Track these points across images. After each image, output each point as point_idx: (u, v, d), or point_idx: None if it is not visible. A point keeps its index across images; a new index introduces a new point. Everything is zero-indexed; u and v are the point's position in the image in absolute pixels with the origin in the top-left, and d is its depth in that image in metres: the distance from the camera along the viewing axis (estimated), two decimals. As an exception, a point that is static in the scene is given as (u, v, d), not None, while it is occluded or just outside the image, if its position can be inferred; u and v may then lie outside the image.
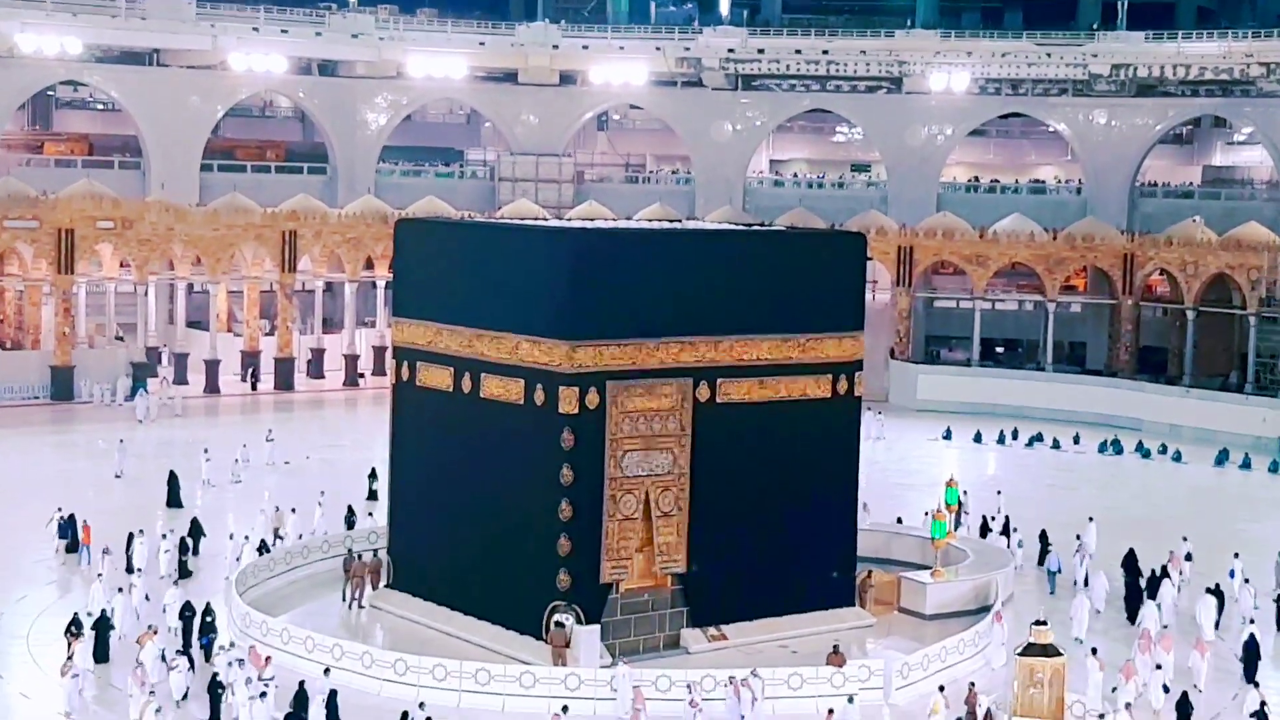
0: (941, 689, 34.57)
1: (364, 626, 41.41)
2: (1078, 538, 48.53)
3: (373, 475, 55.69)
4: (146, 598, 40.18)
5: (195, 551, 46.46)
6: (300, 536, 47.35)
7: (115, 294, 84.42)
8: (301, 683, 33.88)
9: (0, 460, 62.60)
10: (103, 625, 37.54)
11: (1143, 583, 44.86)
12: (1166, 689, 36.70)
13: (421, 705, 33.53)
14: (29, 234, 76.54)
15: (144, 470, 57.26)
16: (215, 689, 33.66)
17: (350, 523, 49.16)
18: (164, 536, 45.14)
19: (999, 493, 52.57)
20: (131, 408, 71.11)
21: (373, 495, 54.40)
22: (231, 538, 45.75)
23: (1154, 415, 75.94)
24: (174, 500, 53.86)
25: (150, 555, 44.70)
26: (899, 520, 50.69)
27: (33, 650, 38.38)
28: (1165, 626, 41.79)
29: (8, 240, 76.50)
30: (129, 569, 44.00)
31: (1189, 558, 47.80)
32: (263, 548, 45.38)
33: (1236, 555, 47.10)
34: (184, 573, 44.32)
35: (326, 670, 34.86)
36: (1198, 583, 45.70)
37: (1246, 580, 45.32)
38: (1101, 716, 33.41)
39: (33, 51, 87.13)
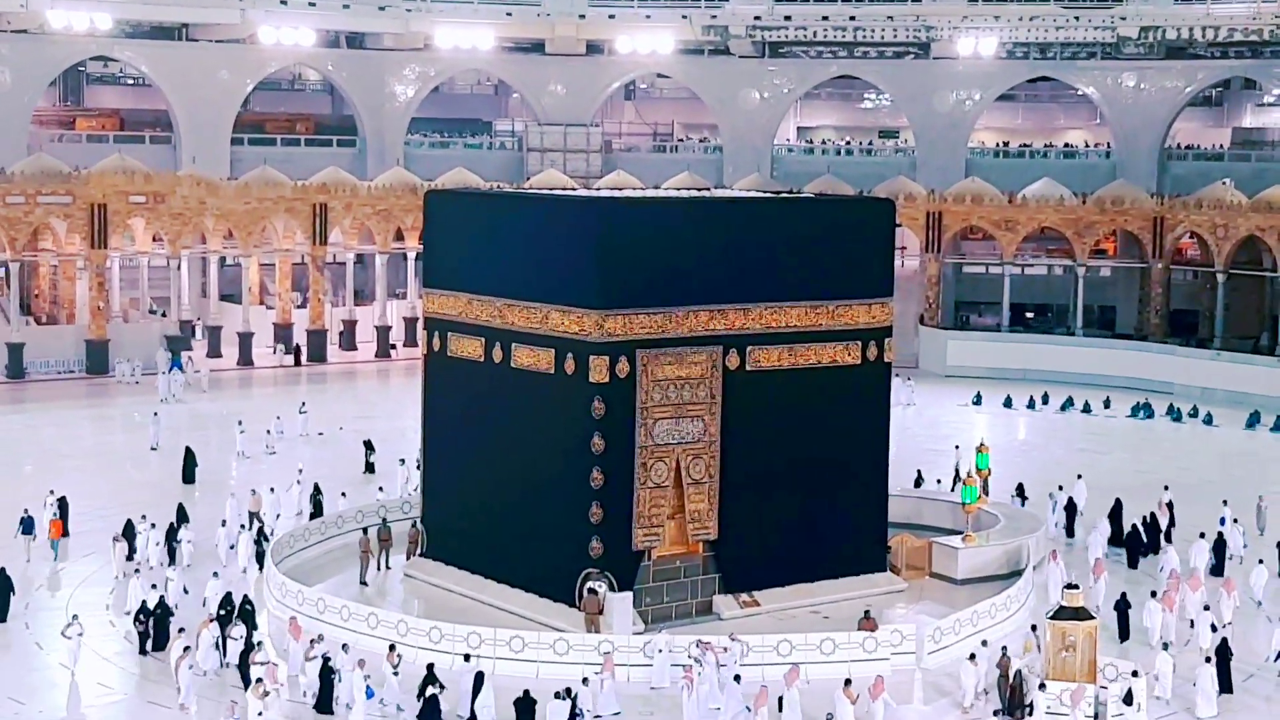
0: (1034, 628, 35.08)
1: (386, 594, 41.80)
2: (1059, 489, 49.94)
3: (369, 447, 55.71)
4: (185, 590, 39.17)
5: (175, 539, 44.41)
6: (278, 517, 46.71)
7: (148, 268, 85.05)
8: (430, 665, 33.40)
9: (38, 434, 63.32)
10: (162, 612, 37.06)
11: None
12: (1214, 628, 37.61)
13: (467, 658, 33.88)
14: (62, 209, 77.01)
15: (179, 443, 57.65)
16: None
17: (316, 503, 47.98)
18: (153, 526, 43.93)
19: (1079, 477, 51.99)
20: (166, 382, 70.70)
21: (369, 468, 54.15)
22: (224, 524, 44.40)
23: (1185, 378, 75.80)
24: (189, 476, 53.71)
25: (147, 545, 43.68)
26: (918, 479, 51.42)
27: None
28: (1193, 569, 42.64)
29: (41, 216, 76.98)
30: (171, 559, 42.97)
31: (1170, 507, 48.43)
32: (261, 538, 43.71)
33: (1225, 502, 48.08)
34: (172, 559, 43.05)
35: (467, 657, 34.24)
36: (1179, 532, 46.93)
37: (1235, 520, 46.66)
38: (1135, 673, 33.45)
39: (63, 27, 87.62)
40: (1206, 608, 38.77)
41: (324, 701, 32.94)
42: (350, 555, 44.06)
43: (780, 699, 32.92)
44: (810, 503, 40.56)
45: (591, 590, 37.38)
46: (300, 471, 50.69)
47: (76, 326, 79.74)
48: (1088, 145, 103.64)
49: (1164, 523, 47.34)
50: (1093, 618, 34.00)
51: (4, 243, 76.40)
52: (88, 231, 77.22)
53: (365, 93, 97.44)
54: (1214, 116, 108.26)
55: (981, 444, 46.88)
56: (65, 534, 45.72)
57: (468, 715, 32.45)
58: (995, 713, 33.79)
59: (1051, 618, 34.09)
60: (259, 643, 35.49)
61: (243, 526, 44.80)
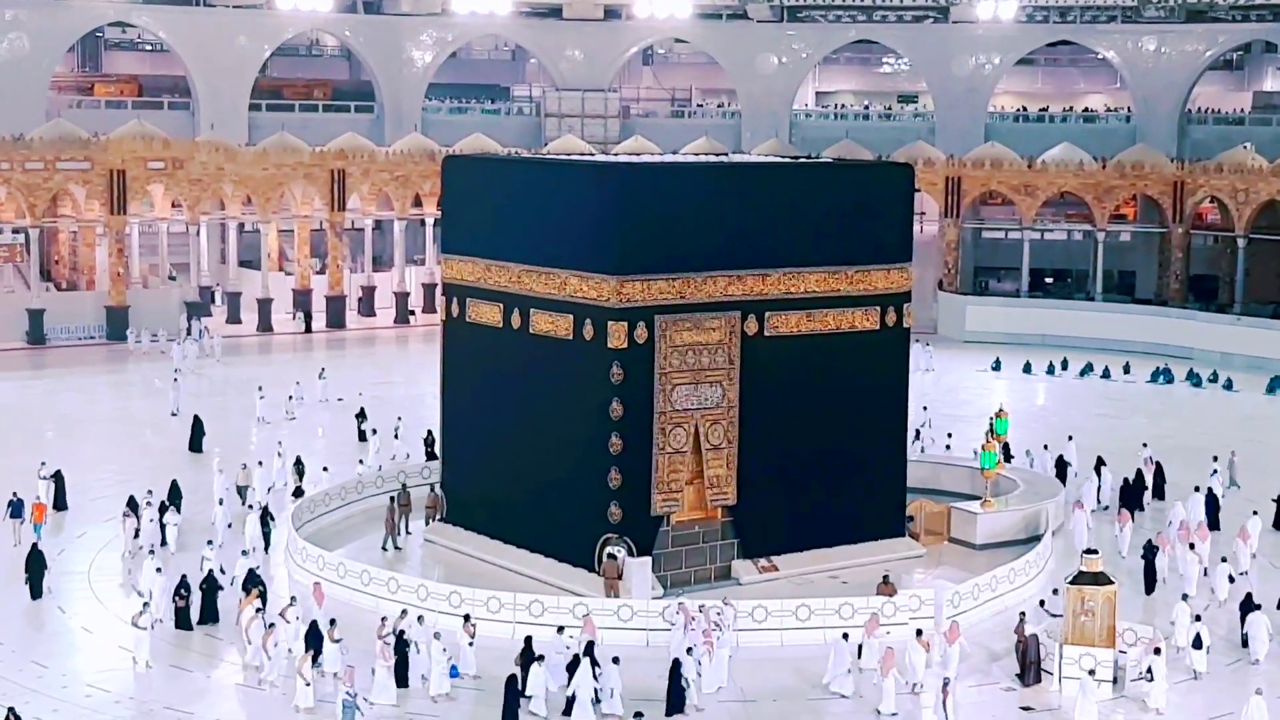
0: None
1: (406, 559, 41.91)
2: (1045, 448, 50.99)
3: (361, 415, 55.44)
4: (221, 569, 37.82)
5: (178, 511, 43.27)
6: (270, 490, 46.00)
7: (167, 234, 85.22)
8: (528, 638, 33.18)
9: (58, 399, 63.63)
10: (210, 586, 36.59)
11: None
12: (1231, 579, 38.73)
13: (560, 630, 33.84)
14: (81, 175, 77.12)
15: (198, 408, 57.79)
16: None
17: (300, 472, 47.23)
18: (147, 504, 42.59)
19: (1070, 438, 52.32)
20: (181, 351, 70.07)
21: (362, 436, 53.61)
22: (221, 503, 43.07)
23: (1205, 344, 75.62)
24: (196, 445, 53.60)
25: (142, 524, 42.28)
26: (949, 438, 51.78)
27: (94, 586, 39.05)
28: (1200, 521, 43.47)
29: (60, 182, 77.10)
30: (164, 538, 41.67)
31: (1159, 466, 49.27)
32: (267, 516, 42.41)
33: (1215, 459, 49.10)
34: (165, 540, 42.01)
35: (560, 629, 34.02)
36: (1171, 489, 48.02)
37: (1214, 472, 48.20)
38: (1157, 650, 33.43)
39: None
40: (1224, 559, 39.73)
41: (401, 674, 32.72)
42: (370, 521, 44.27)
43: (860, 646, 33.56)
44: (829, 468, 40.58)
45: (611, 555, 37.50)
46: (280, 443, 49.91)
47: (96, 293, 79.98)
48: (1108, 109, 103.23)
49: (1149, 479, 48.20)
50: (1112, 582, 33.99)
51: (24, 209, 76.58)
52: (107, 198, 77.36)
53: (383, 58, 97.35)
54: (1234, 80, 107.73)
55: (1000, 409, 46.83)
56: (64, 507, 45.22)
57: (569, 693, 31.95)
58: (1013, 676, 33.89)
59: (1071, 582, 34.10)
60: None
61: (222, 501, 43.36)
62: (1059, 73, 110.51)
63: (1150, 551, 40.36)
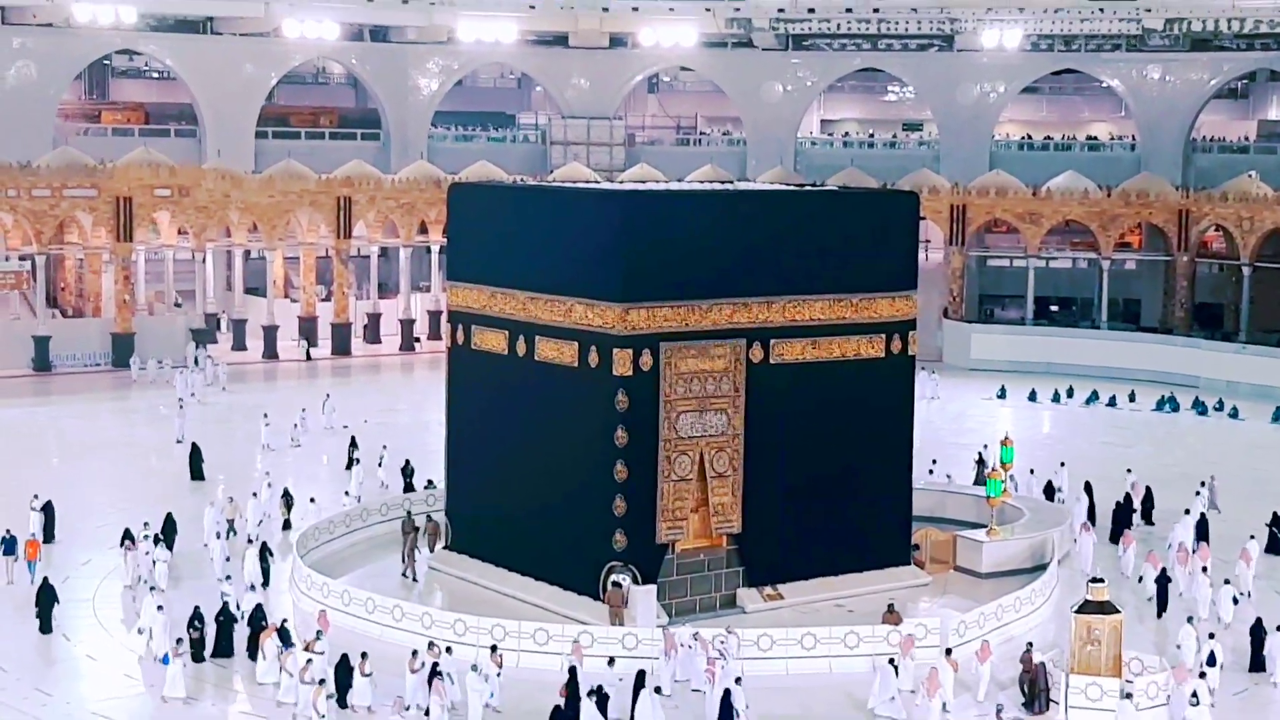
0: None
1: (411, 586, 41.72)
2: (1030, 472, 51.42)
3: (353, 444, 55.08)
4: (238, 605, 37.35)
5: (170, 545, 42.50)
6: (260, 523, 45.51)
7: (174, 261, 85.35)
8: (573, 669, 33.25)
9: (64, 426, 63.67)
10: (225, 619, 36.24)
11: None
12: (1235, 600, 39.14)
13: (611, 661, 33.84)
14: (88, 202, 77.29)
15: (204, 435, 57.89)
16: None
17: (288, 504, 46.80)
18: (144, 537, 41.80)
19: (1062, 464, 52.48)
20: (184, 381, 68.61)
21: (351, 463, 52.59)
22: (219, 536, 42.71)
23: (1210, 372, 75.56)
24: (197, 473, 53.41)
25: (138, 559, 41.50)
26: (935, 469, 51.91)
27: (99, 613, 39.01)
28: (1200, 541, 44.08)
29: (67, 209, 77.26)
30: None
31: (1149, 489, 49.94)
32: (265, 552, 41.30)
33: (1203, 483, 50.10)
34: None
35: (611, 660, 34.01)
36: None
37: (1197, 493, 49.10)
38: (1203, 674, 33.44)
39: (88, 21, 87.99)
40: (1227, 581, 40.03)
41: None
42: (375, 548, 44.25)
43: (894, 664, 33.71)
44: (834, 496, 40.52)
45: (615, 583, 37.43)
46: (268, 474, 49.49)
47: (102, 319, 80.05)
48: (1112, 138, 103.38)
49: (1136, 502, 48.67)
50: (1118, 611, 33.90)
51: (30, 236, 76.74)
52: (113, 225, 77.50)
53: (389, 86, 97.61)
54: (1239, 109, 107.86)
55: (1006, 437, 46.82)
56: (51, 539, 44.34)
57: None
58: (1020, 706, 33.79)
59: (1077, 611, 34.01)
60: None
61: (219, 535, 43.06)
62: (1064, 101, 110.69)
63: (1164, 576, 40.66)
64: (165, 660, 33.72)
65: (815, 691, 33.93)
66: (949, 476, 51.99)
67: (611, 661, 33.92)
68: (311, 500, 46.95)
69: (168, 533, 43.46)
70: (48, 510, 45.35)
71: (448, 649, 34.03)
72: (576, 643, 34.58)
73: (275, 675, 33.99)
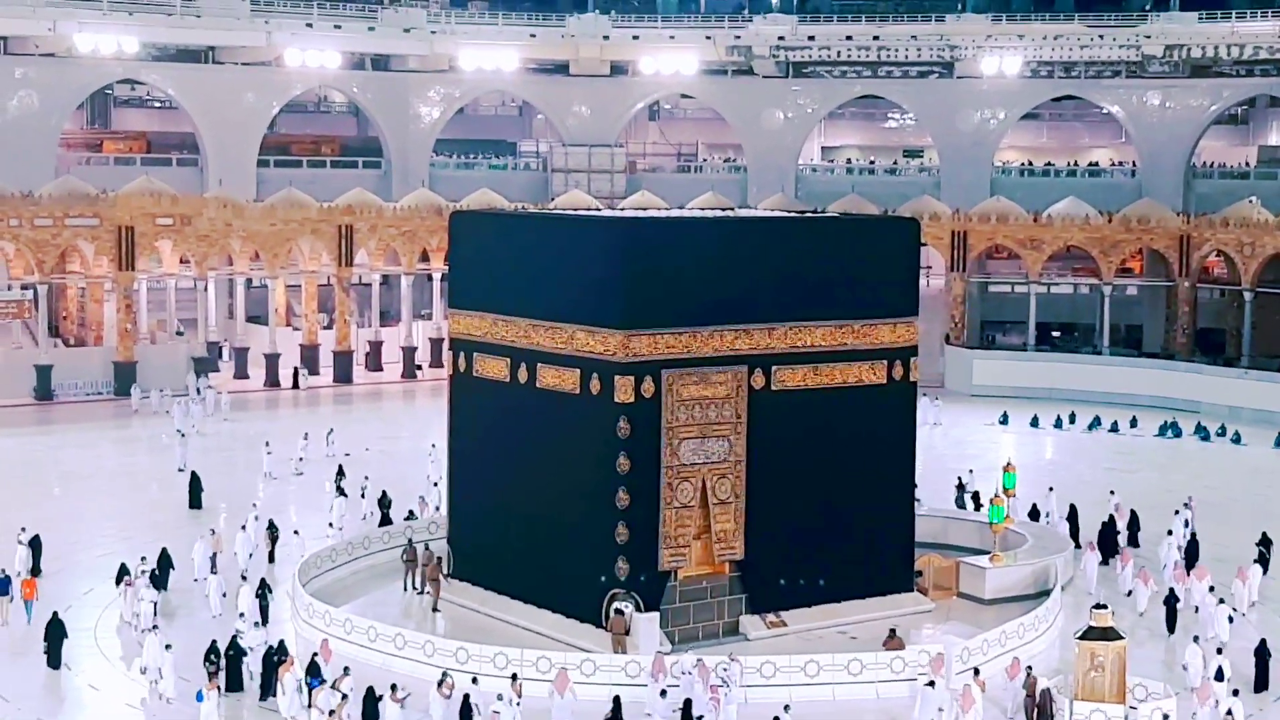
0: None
1: (412, 614, 41.70)
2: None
3: (340, 473, 54.74)
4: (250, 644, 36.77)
5: (164, 586, 42.17)
6: (251, 555, 44.94)
7: (176, 290, 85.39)
8: (617, 698, 33.47)
9: (65, 455, 63.61)
10: (235, 655, 35.80)
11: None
12: (1231, 619, 39.48)
13: (664, 694, 33.76)
14: (90, 232, 77.39)
15: (206, 464, 57.86)
16: None
17: (273, 536, 46.20)
18: (141, 572, 41.06)
19: (1050, 489, 52.62)
20: (182, 412, 67.79)
21: (340, 492, 52.09)
22: (215, 572, 42.06)
23: (1212, 397, 75.45)
24: (195, 502, 53.19)
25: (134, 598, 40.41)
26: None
27: (100, 643, 38.92)
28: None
29: (69, 238, 77.38)
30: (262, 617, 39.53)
31: (1134, 512, 50.41)
32: (263, 591, 40.51)
33: (1187, 505, 50.19)
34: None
35: (664, 693, 34.00)
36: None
37: (1176, 512, 49.35)
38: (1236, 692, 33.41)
39: (90, 51, 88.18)
40: (1222, 600, 40.29)
41: None
42: (375, 577, 44.21)
43: (933, 684, 33.99)
44: (836, 522, 40.46)
45: (618, 611, 37.35)
46: (255, 505, 48.90)
47: (104, 348, 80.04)
48: (1113, 164, 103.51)
49: (1121, 525, 48.98)
50: (1121, 638, 33.82)
51: (32, 265, 76.83)
52: (115, 254, 77.60)
53: (390, 114, 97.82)
54: (1239, 134, 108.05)
55: (1008, 463, 46.76)
56: (38, 572, 43.07)
57: None
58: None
59: (1080, 637, 33.94)
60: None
61: (214, 570, 42.52)
62: (1064, 127, 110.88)
63: (1171, 596, 41.18)
64: (199, 698, 33.11)
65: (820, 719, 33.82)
66: (918, 500, 51.98)
67: (664, 693, 33.89)
68: (296, 533, 46.33)
69: (163, 567, 42.87)
70: (35, 544, 44.34)
71: (473, 679, 34.02)
72: (562, 672, 34.42)
73: (296, 709, 33.65)
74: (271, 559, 45.74)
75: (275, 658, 35.20)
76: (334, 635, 37.56)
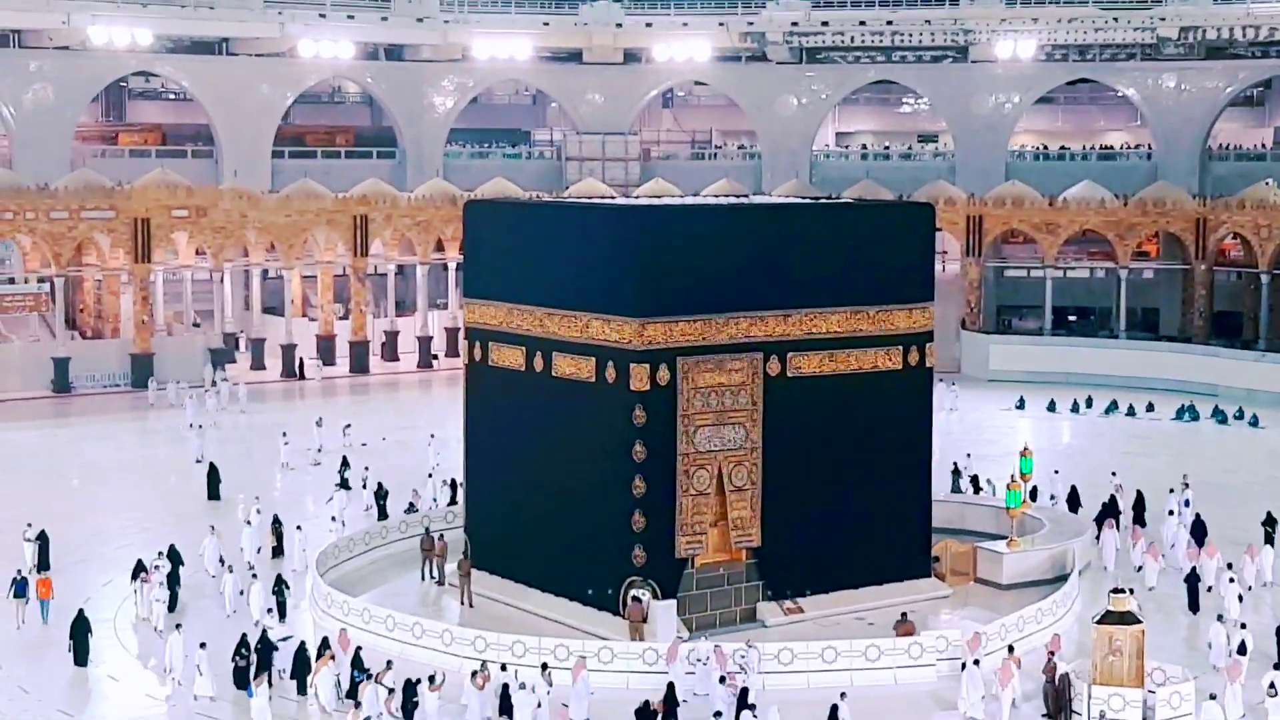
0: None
1: (429, 603, 41.84)
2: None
3: (344, 464, 54.70)
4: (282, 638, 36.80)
5: (176, 575, 41.55)
6: (259, 551, 44.77)
7: (192, 281, 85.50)
8: (670, 685, 33.60)
9: (83, 446, 63.85)
10: (264, 648, 35.40)
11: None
12: (1241, 598, 39.90)
13: (723, 680, 33.87)
14: (106, 224, 77.56)
15: (223, 455, 58.03)
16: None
17: (278, 532, 45.95)
18: (156, 567, 40.76)
19: (1056, 472, 52.68)
20: (194, 407, 67.73)
21: (345, 485, 52.42)
22: (231, 570, 41.64)
23: (1230, 380, 75.24)
24: (214, 493, 53.22)
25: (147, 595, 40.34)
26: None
27: (119, 634, 39.07)
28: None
29: (85, 230, 77.56)
30: (172, 605, 40.12)
31: (1139, 492, 50.56)
32: (281, 586, 40.40)
33: (1186, 486, 50.49)
34: (172, 605, 40.23)
35: (723, 679, 33.97)
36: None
37: (1172, 490, 50.04)
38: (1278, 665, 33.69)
39: (104, 43, 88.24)
40: (1233, 579, 40.74)
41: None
42: (393, 566, 44.33)
43: (964, 665, 34.23)
44: (853, 509, 40.47)
45: (635, 598, 37.41)
46: (257, 499, 48.50)
47: (121, 340, 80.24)
48: (1128, 147, 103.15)
49: (1122, 504, 49.10)
50: (1140, 621, 33.79)
51: (49, 258, 77.02)
52: (131, 246, 77.78)
53: (404, 104, 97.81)
54: (1255, 116, 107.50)
55: (1025, 448, 46.74)
56: (45, 568, 42.67)
57: None
58: (1042, 716, 33.70)
59: (1098, 621, 33.91)
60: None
61: (232, 568, 42.06)
62: (1079, 111, 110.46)
63: (1193, 574, 41.58)
64: (250, 693, 33.15)
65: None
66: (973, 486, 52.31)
67: (723, 679, 33.91)
68: (298, 528, 45.89)
69: (173, 563, 42.20)
70: (42, 540, 44.17)
71: (502, 666, 34.16)
72: (581, 659, 34.54)
73: (333, 703, 33.71)
74: (276, 554, 45.50)
75: (320, 650, 35.12)
76: (352, 625, 37.65)
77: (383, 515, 49.13)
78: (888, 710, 34.13)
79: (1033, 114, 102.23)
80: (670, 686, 33.55)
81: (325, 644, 35.53)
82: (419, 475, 52.74)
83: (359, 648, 35.58)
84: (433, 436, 57.07)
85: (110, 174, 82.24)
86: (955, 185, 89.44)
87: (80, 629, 37.20)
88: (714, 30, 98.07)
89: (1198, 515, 47.48)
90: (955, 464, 54.19)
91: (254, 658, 35.18)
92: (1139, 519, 48.73)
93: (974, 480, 52.95)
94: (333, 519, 48.07)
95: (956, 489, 52.31)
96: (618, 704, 33.39)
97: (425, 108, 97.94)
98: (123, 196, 78.02)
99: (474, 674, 33.53)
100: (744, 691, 33.12)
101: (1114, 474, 52.31)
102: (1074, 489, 50.97)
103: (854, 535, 40.47)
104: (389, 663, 34.50)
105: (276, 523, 46.62)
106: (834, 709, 32.36)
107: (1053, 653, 34.86)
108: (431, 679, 33.37)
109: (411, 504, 49.29)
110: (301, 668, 35.04)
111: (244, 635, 36.08)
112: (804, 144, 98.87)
